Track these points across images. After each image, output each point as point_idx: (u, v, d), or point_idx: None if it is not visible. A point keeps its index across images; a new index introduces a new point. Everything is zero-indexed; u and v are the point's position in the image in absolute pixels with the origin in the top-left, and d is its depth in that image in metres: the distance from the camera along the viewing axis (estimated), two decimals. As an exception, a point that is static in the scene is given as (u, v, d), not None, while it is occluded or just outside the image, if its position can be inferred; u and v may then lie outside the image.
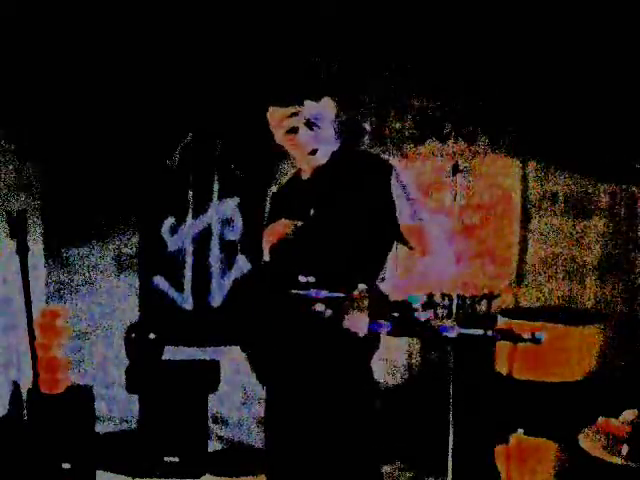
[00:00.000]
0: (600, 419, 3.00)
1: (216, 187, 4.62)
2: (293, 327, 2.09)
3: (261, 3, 4.29)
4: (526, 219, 4.01)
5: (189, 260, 4.68)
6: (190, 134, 4.63)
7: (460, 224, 3.79)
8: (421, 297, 2.03)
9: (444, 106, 4.13)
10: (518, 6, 3.85)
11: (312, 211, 2.20)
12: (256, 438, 4.39)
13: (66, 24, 4.48)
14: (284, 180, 2.54)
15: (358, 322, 2.00)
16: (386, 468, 3.98)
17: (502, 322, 3.61)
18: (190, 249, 4.68)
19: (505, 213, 4.03)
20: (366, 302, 2.01)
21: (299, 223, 2.22)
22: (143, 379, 4.22)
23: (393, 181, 2.13)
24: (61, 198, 4.74)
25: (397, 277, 2.17)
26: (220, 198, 4.62)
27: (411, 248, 2.16)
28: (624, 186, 3.80)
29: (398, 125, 4.24)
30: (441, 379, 3.28)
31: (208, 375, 4.18)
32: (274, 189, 2.50)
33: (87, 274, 4.84)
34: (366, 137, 4.24)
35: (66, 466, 3.96)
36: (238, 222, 4.58)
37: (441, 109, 4.14)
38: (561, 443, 3.35)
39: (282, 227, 2.27)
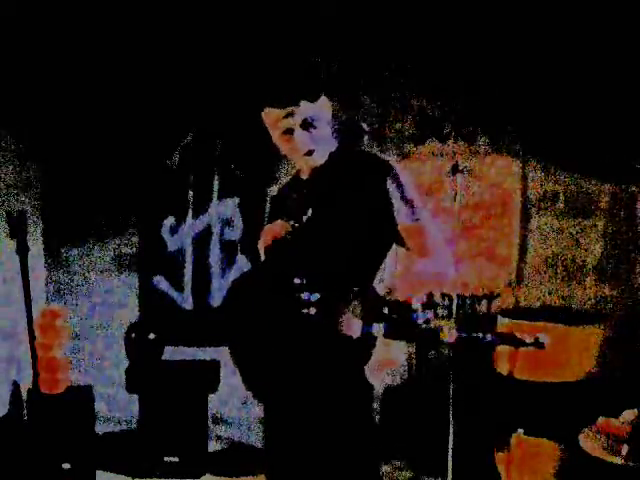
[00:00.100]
0: (600, 419, 3.00)
1: (216, 187, 4.62)
2: (285, 329, 2.08)
3: (261, 3, 4.29)
4: (526, 219, 4.01)
5: (189, 260, 4.68)
6: (190, 134, 4.63)
7: (460, 224, 3.79)
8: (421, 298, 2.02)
9: (444, 106, 4.13)
10: (518, 6, 3.85)
11: (309, 212, 2.19)
12: (256, 438, 4.39)
13: (66, 24, 4.48)
14: (285, 180, 2.54)
15: (352, 324, 1.98)
16: (386, 468, 3.98)
17: (502, 322, 3.61)
18: (190, 249, 4.68)
19: (505, 213, 4.03)
20: (360, 304, 1.99)
21: (295, 224, 2.21)
22: (143, 379, 4.22)
23: (391, 181, 2.11)
24: (61, 198, 4.74)
25: (396, 277, 2.16)
26: (220, 198, 4.62)
27: (409, 249, 2.14)
28: (624, 186, 3.80)
29: (398, 125, 4.24)
30: (441, 379, 3.28)
31: (208, 375, 4.18)
32: (275, 190, 2.49)
33: (87, 274, 4.84)
34: (365, 137, 4.24)
35: (66, 466, 3.96)
36: (238, 222, 4.58)
37: (441, 109, 4.14)
38: (561, 443, 3.35)
39: (278, 228, 2.26)
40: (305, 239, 2.18)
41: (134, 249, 4.77)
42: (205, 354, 4.32)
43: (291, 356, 2.07)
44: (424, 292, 2.02)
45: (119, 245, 4.79)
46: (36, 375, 4.01)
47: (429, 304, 2.01)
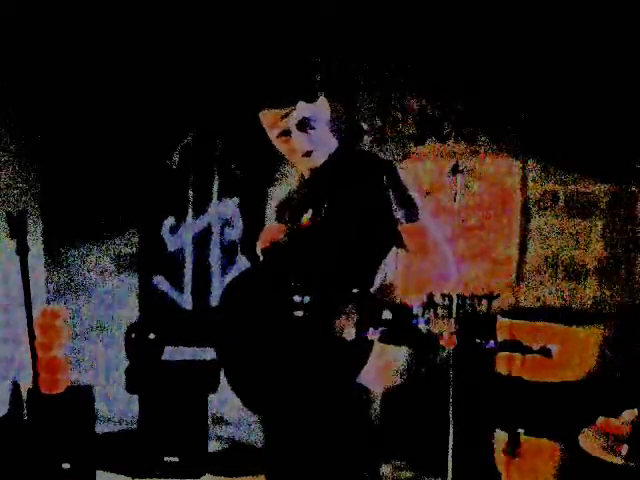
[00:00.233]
0: (600, 419, 3.00)
1: (216, 187, 4.62)
2: (278, 331, 2.07)
3: (261, 3, 4.29)
4: (526, 219, 4.01)
5: (189, 260, 4.68)
6: (190, 134, 4.63)
7: (460, 224, 3.79)
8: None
9: (444, 106, 4.13)
10: (518, 6, 3.85)
11: (308, 213, 2.18)
12: (256, 438, 4.39)
13: (66, 24, 4.48)
14: (285, 181, 2.53)
15: (346, 328, 1.97)
16: (386, 468, 3.98)
17: (502, 322, 3.61)
18: (190, 249, 4.68)
19: (505, 213, 4.03)
20: (357, 307, 1.98)
21: (294, 227, 2.21)
22: (143, 379, 4.22)
23: (391, 181, 2.10)
24: (61, 198, 4.74)
25: (396, 278, 2.15)
26: (220, 198, 4.62)
27: (409, 250, 2.13)
28: (624, 186, 3.80)
29: (398, 125, 4.24)
30: (441, 379, 3.28)
31: (208, 375, 4.18)
32: (282, 194, 2.46)
33: (87, 274, 4.84)
34: (365, 137, 4.24)
35: (66, 466, 3.96)
36: (238, 222, 4.58)
37: (441, 109, 4.14)
38: (561, 443, 3.35)
39: (275, 230, 2.25)
40: (304, 240, 2.17)
41: (134, 249, 4.77)
42: (205, 354, 4.32)
43: (283, 358, 2.05)
44: (424, 293, 2.00)
45: (119, 245, 4.79)
46: (36, 375, 4.01)
47: (429, 304, 1.99)
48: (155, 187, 4.67)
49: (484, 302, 3.96)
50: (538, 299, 3.97)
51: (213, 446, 4.45)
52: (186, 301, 4.68)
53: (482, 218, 4.04)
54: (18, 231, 3.91)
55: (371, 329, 1.94)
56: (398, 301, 2.06)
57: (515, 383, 3.48)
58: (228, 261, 4.58)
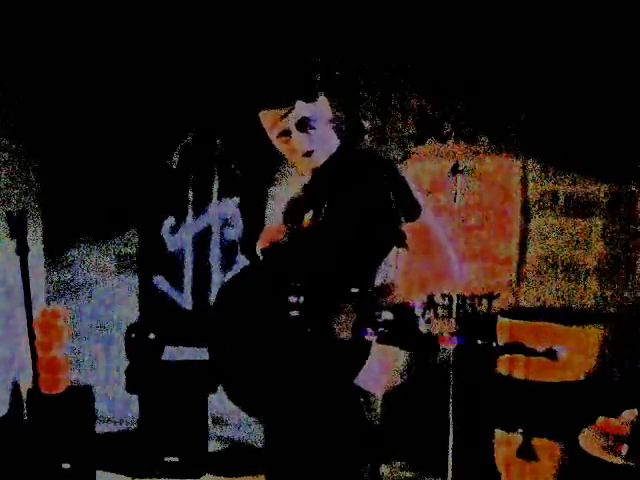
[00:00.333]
0: (600, 419, 3.00)
1: (216, 187, 4.62)
2: (274, 331, 2.06)
3: (261, 3, 4.29)
4: (526, 219, 4.01)
5: (189, 260, 4.68)
6: (190, 134, 4.63)
7: (460, 224, 3.79)
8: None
9: (444, 106, 4.13)
10: (518, 6, 3.85)
11: (309, 214, 2.17)
12: (256, 438, 4.39)
13: (66, 24, 4.48)
14: (285, 182, 2.52)
15: (343, 328, 1.96)
16: (386, 468, 3.98)
17: (502, 322, 3.61)
18: (190, 249, 4.68)
19: (505, 213, 4.03)
20: (355, 307, 1.97)
21: (295, 227, 2.20)
22: (143, 379, 4.22)
23: (393, 179, 2.09)
24: (61, 198, 4.74)
25: (397, 278, 2.13)
26: (220, 198, 4.62)
27: (409, 250, 2.11)
28: (624, 186, 3.80)
29: (398, 125, 4.24)
30: (441, 379, 3.28)
31: (208, 375, 4.18)
32: (290, 195, 2.45)
33: (87, 274, 4.84)
34: (366, 136, 4.24)
35: (66, 466, 3.96)
36: (238, 222, 4.58)
37: (441, 109, 4.14)
38: (561, 443, 3.35)
39: (276, 231, 2.25)
40: (304, 241, 2.16)
41: (134, 249, 4.77)
42: (205, 354, 4.31)
43: (279, 359, 2.04)
44: (427, 293, 1.98)
45: (119, 245, 4.78)
46: (36, 375, 4.02)
47: (429, 304, 1.98)
48: (155, 187, 4.67)
49: (484, 302, 3.98)
50: (538, 299, 3.98)
51: (213, 446, 4.46)
52: (186, 301, 4.68)
53: (482, 218, 4.04)
54: (18, 231, 3.91)
55: (369, 329, 1.93)
56: (398, 301, 2.05)
57: (515, 383, 3.48)
58: (228, 261, 4.58)
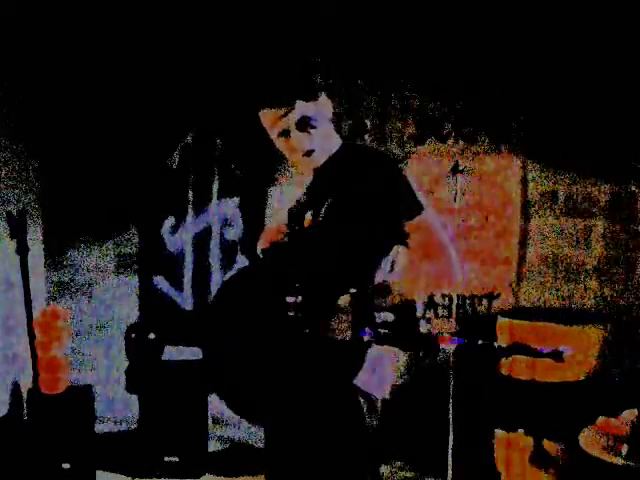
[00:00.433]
0: (600, 419, 3.00)
1: (216, 187, 4.62)
2: (272, 332, 2.05)
3: (261, 3, 4.29)
4: (526, 219, 4.01)
5: (189, 260, 4.68)
6: (190, 134, 4.63)
7: (460, 224, 3.79)
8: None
9: (444, 106, 4.13)
10: (518, 6, 3.85)
11: (309, 214, 2.16)
12: (256, 438, 4.39)
13: (66, 24, 4.48)
14: (288, 181, 2.52)
15: (341, 329, 1.95)
16: (386, 468, 3.98)
17: (502, 322, 3.61)
18: (190, 249, 4.68)
19: (505, 213, 4.03)
20: (353, 308, 1.96)
21: (296, 227, 2.19)
22: (143, 379, 4.22)
23: (395, 179, 2.08)
24: (61, 198, 4.74)
25: (398, 278, 2.12)
26: (220, 198, 4.62)
27: (409, 248, 2.10)
28: (624, 186, 3.80)
29: (398, 125, 4.24)
30: (441, 379, 3.28)
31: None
32: (293, 201, 2.44)
33: (87, 274, 4.84)
34: (366, 136, 4.24)
35: (66, 466, 3.96)
36: (238, 222, 4.58)
37: (441, 109, 4.14)
38: (561, 443, 3.35)
39: (276, 231, 2.24)
40: (304, 241, 2.16)
41: (134, 249, 4.77)
42: (205, 354, 4.32)
43: (275, 360, 2.03)
44: (428, 293, 1.97)
45: (119, 245, 4.78)
46: (36, 375, 4.02)
47: (429, 304, 1.98)
48: (155, 187, 4.67)
49: (484, 302, 3.98)
50: (538, 299, 3.98)
51: (213, 446, 4.46)
52: (186, 301, 4.68)
53: (482, 218, 4.04)
54: (18, 231, 3.91)
55: (368, 329, 1.93)
56: (398, 301, 2.04)
57: (515, 383, 3.48)
58: (228, 261, 4.58)
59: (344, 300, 1.98)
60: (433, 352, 1.95)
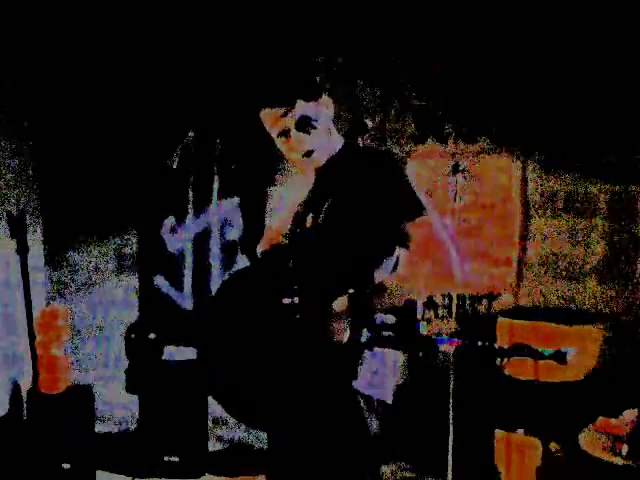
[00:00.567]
0: (600, 419, 3.00)
1: (216, 187, 4.62)
2: (269, 333, 2.04)
3: (261, 3, 4.29)
4: (526, 219, 4.01)
5: (189, 260, 4.68)
6: (190, 134, 4.63)
7: (460, 224, 3.79)
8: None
9: (444, 106, 4.13)
10: (518, 6, 3.85)
11: (310, 216, 2.16)
12: (256, 438, 4.39)
13: (66, 24, 4.48)
14: (288, 182, 2.51)
15: (338, 330, 1.95)
16: (386, 469, 3.98)
17: (502, 322, 3.61)
18: (190, 249, 4.68)
19: (505, 213, 4.03)
20: (350, 308, 1.95)
21: (296, 228, 2.19)
22: (143, 379, 4.22)
23: (398, 179, 2.08)
24: (61, 198, 4.74)
25: (398, 278, 2.11)
26: (220, 198, 4.62)
27: (410, 249, 2.09)
28: (624, 186, 3.80)
29: (398, 125, 4.24)
30: (441, 379, 3.27)
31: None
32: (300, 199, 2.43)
33: (87, 274, 4.84)
34: (366, 135, 4.24)
35: (66, 466, 3.96)
36: (238, 222, 4.58)
37: (441, 109, 4.14)
38: (561, 443, 3.35)
39: (276, 232, 2.24)
40: (304, 242, 2.15)
41: (134, 249, 4.77)
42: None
43: (272, 360, 2.01)
44: (429, 293, 1.96)
45: (119, 245, 4.79)
46: (36, 375, 4.03)
47: (429, 305, 1.97)
48: (155, 187, 4.67)
49: (484, 302, 3.97)
50: (538, 299, 3.97)
51: (213, 446, 4.46)
52: (186, 301, 4.67)
53: (482, 218, 4.04)
54: (18, 231, 3.92)
55: (365, 331, 1.92)
56: (398, 302, 2.04)
57: (515, 383, 3.48)
58: (228, 261, 4.58)
59: (341, 301, 1.98)
60: (432, 354, 1.95)
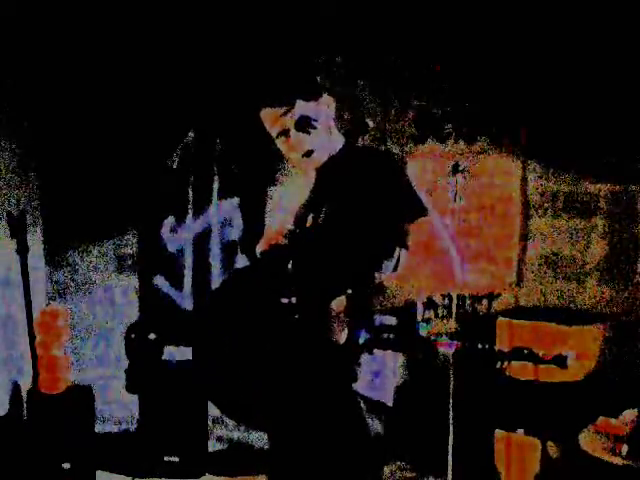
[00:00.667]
0: (600, 419, 3.00)
1: (216, 187, 4.62)
2: (267, 333, 2.03)
3: (261, 3, 4.29)
4: (526, 219, 4.01)
5: (189, 260, 4.68)
6: (190, 134, 4.63)
7: (460, 224, 3.79)
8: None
9: (444, 106, 4.13)
10: (518, 6, 3.85)
11: (310, 216, 2.15)
12: (256, 438, 4.39)
13: (66, 24, 4.48)
14: (288, 182, 2.51)
15: (337, 330, 1.94)
16: (386, 468, 3.98)
17: (502, 322, 3.61)
18: (190, 249, 4.67)
19: (505, 213, 4.03)
20: (349, 309, 1.95)
21: (297, 229, 2.18)
22: (143, 379, 4.22)
23: (399, 179, 2.07)
24: (61, 198, 4.74)
25: (398, 278, 2.11)
26: (220, 198, 4.62)
27: (410, 250, 2.09)
28: (624, 186, 3.80)
29: (398, 125, 4.24)
30: (441, 379, 3.27)
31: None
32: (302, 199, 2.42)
33: (87, 274, 4.84)
34: (367, 135, 4.24)
35: (66, 466, 3.96)
36: (238, 222, 4.58)
37: (441, 109, 4.14)
38: (561, 443, 3.35)
39: (275, 233, 2.24)
40: (305, 242, 2.15)
41: (134, 249, 4.77)
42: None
43: (270, 361, 2.01)
44: (429, 293, 1.96)
45: (119, 245, 4.78)
46: (36, 375, 4.02)
47: (429, 305, 1.97)
48: (155, 187, 4.67)
49: (484, 302, 3.97)
50: (538, 299, 3.97)
51: (213, 446, 4.45)
52: (186, 301, 4.67)
53: (482, 218, 4.04)
54: (18, 231, 3.91)
55: (363, 331, 1.92)
56: (398, 303, 2.04)
57: (515, 383, 3.48)
58: (228, 261, 4.58)
59: (340, 301, 1.98)
60: (432, 355, 1.94)
